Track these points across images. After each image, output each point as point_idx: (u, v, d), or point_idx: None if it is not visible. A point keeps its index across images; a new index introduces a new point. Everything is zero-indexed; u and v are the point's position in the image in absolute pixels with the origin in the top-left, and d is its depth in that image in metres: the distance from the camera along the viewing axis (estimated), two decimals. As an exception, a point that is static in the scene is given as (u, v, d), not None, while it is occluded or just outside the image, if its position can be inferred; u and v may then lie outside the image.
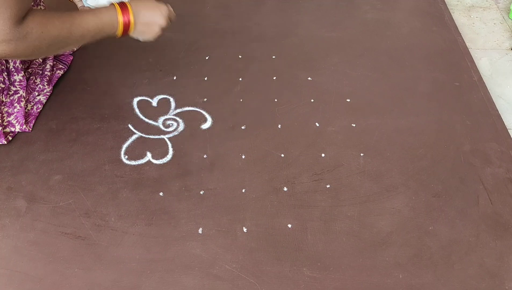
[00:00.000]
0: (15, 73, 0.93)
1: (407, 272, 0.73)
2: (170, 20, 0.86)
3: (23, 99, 0.93)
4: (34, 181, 0.85)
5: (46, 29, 0.69)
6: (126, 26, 0.80)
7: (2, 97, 0.92)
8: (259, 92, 1.04)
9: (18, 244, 0.76)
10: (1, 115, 0.91)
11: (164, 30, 0.85)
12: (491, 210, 0.81)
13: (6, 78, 0.93)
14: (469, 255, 0.75)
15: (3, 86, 0.92)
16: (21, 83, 0.94)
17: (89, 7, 0.86)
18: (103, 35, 0.79)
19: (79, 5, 0.88)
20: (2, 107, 0.92)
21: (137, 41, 1.15)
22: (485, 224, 0.79)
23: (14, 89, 0.94)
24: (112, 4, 0.80)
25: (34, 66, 1.01)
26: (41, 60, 1.00)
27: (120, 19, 0.78)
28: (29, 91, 0.97)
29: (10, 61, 0.92)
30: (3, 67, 0.92)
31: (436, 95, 1.03)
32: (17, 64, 0.93)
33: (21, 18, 0.66)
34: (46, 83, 0.99)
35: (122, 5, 0.80)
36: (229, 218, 0.80)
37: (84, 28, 0.75)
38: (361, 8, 1.30)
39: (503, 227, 0.79)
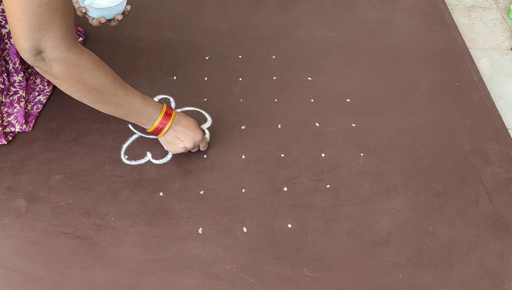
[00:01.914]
0: (14, 74, 0.93)
1: (407, 272, 0.73)
2: (198, 147, 0.88)
3: (23, 99, 0.93)
4: (34, 181, 0.85)
5: (97, 70, 0.70)
6: (158, 130, 0.81)
7: (2, 98, 0.92)
8: (259, 92, 1.04)
9: (18, 244, 0.76)
10: (1, 116, 0.91)
11: (186, 151, 0.86)
12: (491, 210, 0.81)
13: (6, 79, 0.93)
14: (469, 255, 0.75)
15: (2, 86, 0.92)
16: (21, 83, 0.94)
17: (84, 6, 0.87)
18: (135, 121, 0.79)
19: (76, 5, 0.88)
20: (2, 108, 0.92)
21: (137, 41, 1.16)
22: (485, 224, 0.79)
23: (14, 89, 0.94)
24: (163, 104, 0.81)
25: None
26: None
27: (157, 122, 0.80)
28: (29, 91, 0.97)
29: (9, 62, 0.92)
30: (2, 68, 0.92)
31: (436, 95, 1.03)
32: (17, 64, 0.93)
33: (74, 40, 0.67)
34: (46, 83, 0.99)
35: (168, 112, 0.81)
36: (229, 218, 0.80)
37: (128, 100, 0.75)
38: (361, 8, 1.30)
39: (503, 227, 0.79)
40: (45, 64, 0.65)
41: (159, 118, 0.80)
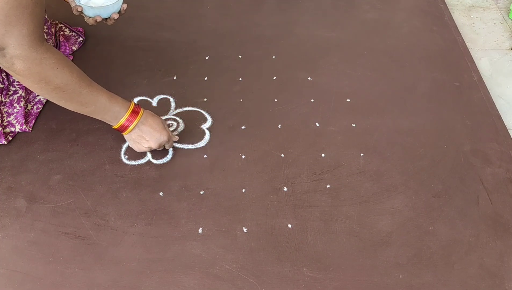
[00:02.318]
0: None
1: (407, 272, 0.73)
2: (164, 147, 0.88)
3: (22, 99, 0.93)
4: (34, 181, 0.85)
5: (61, 69, 0.70)
6: (123, 128, 0.81)
7: (2, 98, 0.92)
8: (259, 92, 1.04)
9: (18, 244, 0.76)
10: (1, 115, 0.91)
11: (150, 150, 0.86)
12: (491, 210, 0.81)
13: (5, 78, 0.93)
14: (469, 255, 0.75)
15: (2, 86, 0.92)
16: (20, 83, 0.94)
17: (80, 5, 0.87)
18: (102, 118, 0.80)
19: (72, 4, 0.88)
20: (2, 107, 0.92)
21: (137, 41, 1.16)
22: (485, 224, 0.79)
23: (14, 89, 0.94)
24: (130, 102, 0.81)
25: None
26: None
27: (123, 120, 0.80)
28: (29, 91, 0.97)
29: None
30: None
31: (436, 95, 1.03)
32: None
33: (39, 39, 0.67)
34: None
35: (135, 110, 0.81)
36: (229, 218, 0.80)
37: (93, 99, 0.75)
38: (361, 8, 1.30)
39: (503, 227, 0.79)
40: (6, 61, 0.65)
41: (125, 116, 0.79)
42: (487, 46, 1.23)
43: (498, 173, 0.87)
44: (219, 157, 0.90)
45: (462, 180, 0.86)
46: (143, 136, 0.83)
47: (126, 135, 0.84)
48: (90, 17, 0.88)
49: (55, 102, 0.75)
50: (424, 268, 0.74)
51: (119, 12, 0.90)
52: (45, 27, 0.97)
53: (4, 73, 0.92)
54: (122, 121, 0.80)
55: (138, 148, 0.85)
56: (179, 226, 0.79)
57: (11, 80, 0.94)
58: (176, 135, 0.92)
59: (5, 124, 0.91)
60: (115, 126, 0.81)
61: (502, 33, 1.28)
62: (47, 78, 0.69)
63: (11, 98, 0.93)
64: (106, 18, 0.90)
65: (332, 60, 1.12)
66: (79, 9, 0.87)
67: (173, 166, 0.88)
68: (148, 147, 0.84)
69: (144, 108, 0.83)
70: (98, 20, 0.88)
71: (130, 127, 0.81)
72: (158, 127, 0.83)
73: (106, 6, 0.87)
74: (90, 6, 0.87)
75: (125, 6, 0.91)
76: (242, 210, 0.81)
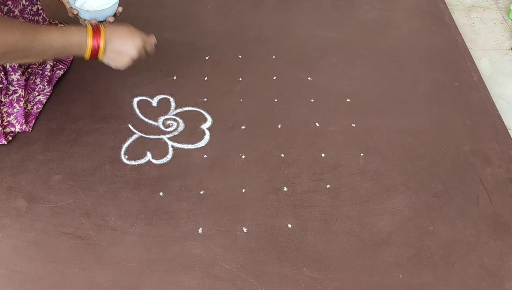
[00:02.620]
0: (12, 73, 0.93)
1: (407, 272, 0.73)
2: (146, 51, 0.84)
3: (22, 99, 0.93)
4: (34, 181, 0.85)
5: (2, 36, 0.66)
6: (95, 51, 0.77)
7: (1, 97, 0.92)
8: (259, 92, 1.04)
9: (18, 244, 0.76)
10: (1, 115, 0.91)
11: (135, 61, 0.82)
12: (491, 210, 0.81)
13: (4, 78, 0.93)
14: (469, 255, 0.75)
15: (1, 86, 0.92)
16: (19, 82, 0.94)
17: (76, 8, 0.87)
18: (68, 54, 0.77)
19: (67, 6, 0.89)
20: (2, 107, 0.92)
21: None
22: (485, 224, 0.79)
23: (13, 88, 0.94)
24: (85, 26, 0.78)
25: (34, 66, 1.01)
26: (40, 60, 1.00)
27: (89, 42, 0.75)
28: (28, 91, 0.97)
29: None
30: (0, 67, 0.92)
31: (436, 95, 1.03)
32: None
33: None
34: (46, 83, 0.99)
35: (96, 29, 0.77)
36: (229, 218, 0.80)
37: (47, 43, 0.71)
38: (361, 8, 1.30)
39: (503, 227, 0.79)
40: None
41: (89, 40, 0.75)
42: (487, 46, 1.23)
43: (498, 173, 0.87)
44: (219, 157, 0.90)
45: (462, 180, 0.86)
46: (118, 51, 0.79)
47: (103, 58, 0.79)
48: (85, 20, 0.88)
49: (14, 63, 0.71)
50: (424, 268, 0.74)
51: (115, 15, 0.90)
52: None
53: (3, 73, 0.93)
54: (89, 45, 0.75)
55: (121, 65, 0.81)
56: (179, 226, 0.78)
57: (10, 79, 0.94)
58: (176, 135, 0.91)
59: (5, 124, 0.91)
60: (87, 54, 0.77)
61: (502, 33, 1.28)
62: None
63: (10, 97, 0.93)
64: (102, 21, 0.90)
65: (332, 60, 1.12)
66: (75, 12, 0.87)
67: (173, 166, 0.88)
68: (130, 58, 0.80)
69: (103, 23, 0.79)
70: (93, 24, 0.87)
71: (101, 47, 0.76)
72: (128, 33, 0.79)
73: (101, 10, 0.88)
74: (86, 10, 0.87)
75: (120, 9, 0.91)
76: (242, 210, 0.81)
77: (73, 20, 0.93)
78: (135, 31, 0.80)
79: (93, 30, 0.76)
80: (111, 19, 0.89)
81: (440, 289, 0.71)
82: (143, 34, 0.81)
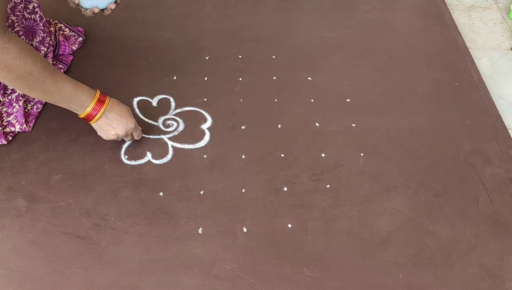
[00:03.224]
0: None
1: (407, 272, 0.73)
2: (131, 135, 0.89)
3: (21, 98, 0.93)
4: (34, 181, 0.85)
5: (24, 59, 0.70)
6: (90, 117, 0.82)
7: (0, 97, 0.92)
8: (259, 92, 1.04)
9: (18, 244, 0.76)
10: (1, 115, 0.91)
11: (118, 139, 0.88)
12: (491, 210, 0.81)
13: None
14: (469, 255, 0.75)
15: None
16: None
17: (84, 8, 0.87)
18: (67, 107, 0.81)
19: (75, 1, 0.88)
20: (1, 107, 0.92)
21: (138, 41, 1.16)
22: (485, 224, 0.79)
23: (11, 88, 0.94)
24: (96, 91, 0.82)
25: None
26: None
27: (89, 109, 0.81)
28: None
29: None
30: None
31: (436, 95, 1.03)
32: None
33: (2, 30, 0.67)
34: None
35: (101, 98, 0.82)
36: (229, 218, 0.80)
37: (58, 88, 0.76)
38: (361, 8, 1.30)
39: (503, 227, 0.79)
40: None
41: (92, 105, 0.80)
42: (487, 46, 1.23)
43: (498, 173, 0.87)
44: (219, 157, 0.90)
45: (462, 180, 0.86)
46: (110, 124, 0.84)
47: (93, 123, 0.84)
48: (87, 9, 0.88)
49: (18, 90, 0.75)
50: (424, 268, 0.74)
51: (115, 1, 0.90)
52: (41, 24, 0.97)
53: None
54: (88, 110, 0.81)
55: (105, 135, 0.86)
56: (179, 226, 0.79)
57: None
58: (176, 135, 0.92)
59: (5, 124, 0.91)
60: (82, 115, 0.82)
61: (502, 33, 1.28)
62: (9, 67, 0.69)
63: (9, 97, 0.93)
64: (103, 9, 0.90)
65: (332, 60, 1.12)
66: (76, 1, 0.86)
67: (173, 166, 0.88)
68: (116, 135, 0.85)
69: (110, 97, 0.85)
70: (95, 11, 0.87)
71: (96, 116, 0.82)
72: (124, 115, 0.85)
73: None
74: None
75: None
76: (242, 210, 0.81)
77: (73, 15, 0.93)
78: (131, 116, 0.86)
79: (98, 99, 0.81)
80: (113, 6, 0.89)
81: (440, 289, 0.71)
82: (135, 122, 0.87)
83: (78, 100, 0.79)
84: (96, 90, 0.83)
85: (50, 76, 0.74)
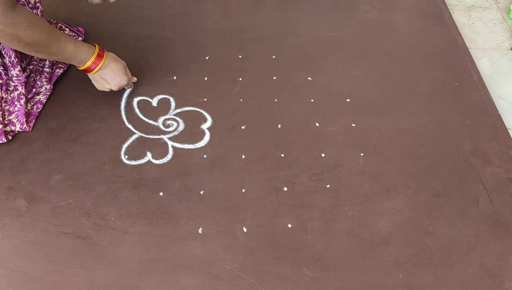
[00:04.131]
0: (11, 68, 0.94)
1: (407, 272, 0.73)
2: (123, 88, 0.99)
3: (23, 97, 0.93)
4: (34, 181, 0.85)
5: (32, 30, 0.78)
6: (89, 70, 0.91)
7: (2, 93, 0.92)
8: (259, 92, 1.04)
9: (18, 244, 0.76)
10: (2, 113, 0.91)
11: (109, 90, 0.96)
12: (491, 210, 0.81)
13: (3, 73, 0.93)
14: (469, 255, 0.75)
15: (1, 81, 0.92)
16: (19, 78, 0.94)
17: None
18: (70, 62, 0.90)
19: None
20: (4, 104, 0.92)
21: (138, 41, 1.16)
22: (485, 224, 0.79)
23: (13, 84, 0.94)
24: (94, 46, 0.90)
25: (34, 62, 1.01)
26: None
27: (89, 63, 0.89)
28: (28, 89, 0.97)
29: (5, 55, 0.93)
30: None
31: (436, 95, 1.03)
32: (12, 58, 0.93)
33: (13, 6, 0.74)
34: (45, 81, 0.99)
35: (99, 54, 0.90)
36: (229, 218, 0.80)
37: (61, 50, 0.85)
38: (361, 8, 1.30)
39: (503, 227, 0.79)
40: None
41: (92, 59, 0.89)
42: (487, 46, 1.23)
43: (498, 173, 0.87)
44: (219, 157, 0.90)
45: (462, 180, 0.86)
46: (105, 79, 0.93)
47: (90, 75, 0.93)
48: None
49: (26, 53, 0.83)
50: (424, 268, 0.74)
51: None
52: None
53: (2, 68, 0.93)
54: (88, 64, 0.89)
55: (99, 87, 0.95)
56: (179, 226, 0.79)
57: (10, 74, 0.94)
58: (176, 135, 0.92)
59: (6, 122, 0.91)
60: (81, 68, 0.90)
61: (502, 33, 1.28)
62: (19, 38, 0.77)
63: (12, 95, 0.93)
64: None
65: (332, 60, 1.12)
66: None
67: (173, 166, 0.88)
68: (109, 88, 0.95)
69: (107, 52, 0.92)
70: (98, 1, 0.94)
71: (95, 70, 0.91)
72: (119, 72, 0.94)
73: None
74: None
75: None
76: (242, 210, 0.81)
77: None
78: (126, 72, 0.96)
79: (98, 54, 0.90)
80: None
81: (440, 289, 0.71)
82: (130, 75, 0.98)
83: (80, 57, 0.88)
84: (95, 45, 0.91)
85: (55, 41, 0.83)
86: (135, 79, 1.00)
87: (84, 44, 0.89)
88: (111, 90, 0.96)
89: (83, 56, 0.88)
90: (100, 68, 0.91)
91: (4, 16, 0.73)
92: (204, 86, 1.04)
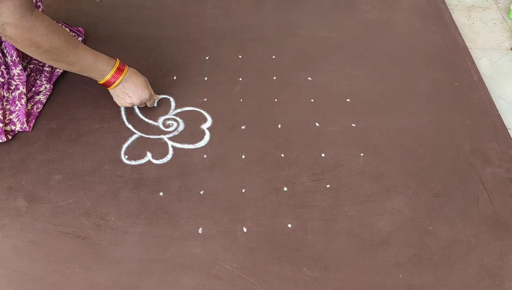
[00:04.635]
0: (13, 67, 0.94)
1: (407, 272, 0.73)
2: (145, 104, 0.95)
3: (24, 96, 0.93)
4: (34, 181, 0.85)
5: (50, 35, 0.76)
6: (108, 84, 0.89)
7: (3, 92, 0.92)
8: (259, 92, 1.04)
9: (18, 244, 0.76)
10: (3, 112, 0.91)
11: (132, 105, 0.93)
12: (491, 210, 0.81)
13: (5, 72, 0.93)
14: (469, 255, 0.75)
15: (2, 80, 0.92)
16: (20, 77, 0.94)
17: None
18: (88, 75, 0.87)
19: None
20: (5, 104, 0.92)
21: (138, 41, 1.16)
22: (485, 224, 0.79)
23: (15, 83, 0.94)
24: (116, 60, 0.88)
25: (35, 61, 1.01)
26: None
27: (109, 76, 0.87)
28: (28, 88, 0.97)
29: (7, 54, 0.93)
30: (0, 60, 0.92)
31: (436, 95, 1.03)
32: (14, 57, 0.93)
33: (31, 9, 0.73)
34: (45, 80, 0.99)
35: (120, 67, 0.88)
36: (229, 218, 0.80)
37: (80, 59, 0.83)
38: (361, 8, 1.30)
39: (503, 227, 0.79)
40: None
41: (111, 73, 0.87)
42: (487, 46, 1.23)
43: (498, 173, 0.87)
44: (219, 157, 0.90)
45: (462, 180, 0.86)
46: (126, 92, 0.90)
47: (110, 90, 0.91)
48: None
49: (44, 62, 0.82)
50: (424, 268, 0.74)
51: None
52: None
53: (4, 66, 0.93)
54: (108, 77, 0.87)
55: (121, 103, 0.92)
56: (179, 226, 0.79)
57: (12, 74, 0.94)
58: (176, 135, 0.92)
59: (6, 121, 0.91)
60: (101, 82, 0.88)
61: (502, 33, 1.28)
62: (37, 43, 0.76)
63: (13, 94, 0.93)
64: None
65: (332, 60, 1.12)
66: None
67: (173, 166, 0.88)
68: (131, 103, 0.92)
69: (128, 67, 0.91)
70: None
71: (115, 83, 0.88)
72: (140, 85, 0.91)
73: None
74: None
75: None
76: (242, 210, 0.81)
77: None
78: (147, 86, 0.94)
79: (118, 68, 0.88)
80: None
81: (440, 289, 0.71)
82: (152, 91, 0.95)
83: (99, 70, 0.86)
84: (116, 59, 0.89)
85: (73, 50, 0.81)
86: (158, 97, 0.98)
87: (104, 56, 0.87)
88: (133, 105, 0.93)
89: (103, 68, 0.86)
90: (120, 82, 0.88)
91: (22, 19, 0.72)
92: (204, 86, 1.04)
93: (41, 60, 0.81)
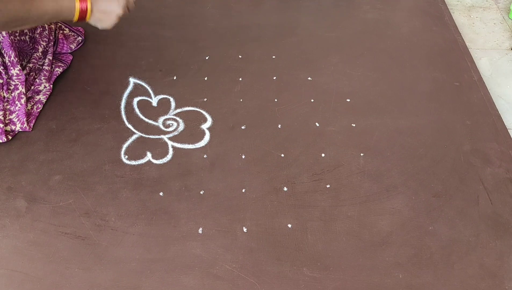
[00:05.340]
0: (11, 67, 0.94)
1: (407, 272, 0.73)
2: (128, 9, 0.87)
3: (23, 96, 0.93)
4: (34, 181, 0.85)
5: (5, 8, 0.72)
6: (83, 13, 0.81)
7: (3, 93, 0.92)
8: (259, 92, 1.04)
9: (18, 244, 0.76)
10: (4, 112, 0.91)
11: (121, 18, 0.85)
12: (491, 210, 0.81)
13: (3, 73, 0.93)
14: (469, 255, 0.75)
15: (1, 81, 0.92)
16: (19, 77, 0.94)
17: None
18: (61, 19, 0.81)
19: None
20: (5, 104, 0.92)
21: (138, 41, 1.16)
22: (485, 224, 0.79)
23: (14, 83, 0.94)
24: None
25: (34, 60, 1.01)
26: (41, 54, 1.01)
27: (78, 5, 0.80)
28: (27, 87, 0.97)
29: (5, 55, 0.93)
30: None
31: (436, 95, 1.03)
32: (12, 57, 0.93)
33: None
34: (44, 79, 0.99)
35: None
36: (229, 218, 0.80)
37: (43, 10, 0.77)
38: (361, 8, 1.30)
39: (503, 227, 0.79)
40: None
41: (77, 4, 0.80)
42: (487, 46, 1.23)
43: (498, 173, 0.87)
44: (219, 157, 0.90)
45: (462, 180, 0.86)
46: (104, 11, 0.83)
47: (91, 20, 0.84)
48: None
49: (13, 29, 0.77)
50: (424, 268, 0.74)
51: None
52: None
53: (2, 67, 0.93)
54: (77, 8, 0.80)
55: (108, 24, 0.85)
56: (179, 226, 0.79)
57: (10, 74, 0.94)
58: (176, 135, 0.92)
59: (7, 121, 0.91)
60: (76, 17, 0.81)
61: (502, 33, 1.28)
62: None
63: (13, 94, 0.93)
64: None
65: (332, 60, 1.12)
66: None
67: (173, 166, 0.88)
68: (117, 17, 0.84)
69: None
70: None
71: (88, 8, 0.81)
72: None
73: None
74: None
75: None
76: (242, 210, 0.81)
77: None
78: None
79: None
80: None
81: (440, 289, 0.71)
82: None
83: (65, 7, 0.79)
84: None
85: (31, 6, 0.76)
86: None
87: None
88: (119, 16, 0.85)
89: (67, 3, 0.79)
90: (91, 4, 0.81)
91: None
92: (204, 86, 1.04)
93: (7, 30, 0.76)
